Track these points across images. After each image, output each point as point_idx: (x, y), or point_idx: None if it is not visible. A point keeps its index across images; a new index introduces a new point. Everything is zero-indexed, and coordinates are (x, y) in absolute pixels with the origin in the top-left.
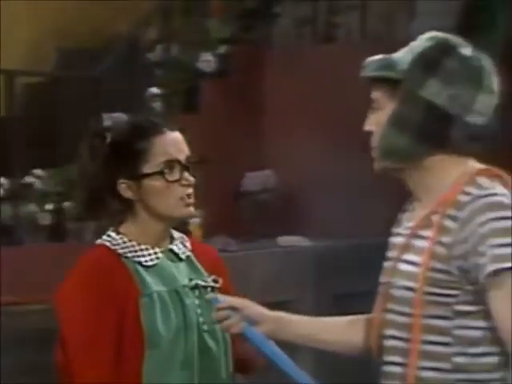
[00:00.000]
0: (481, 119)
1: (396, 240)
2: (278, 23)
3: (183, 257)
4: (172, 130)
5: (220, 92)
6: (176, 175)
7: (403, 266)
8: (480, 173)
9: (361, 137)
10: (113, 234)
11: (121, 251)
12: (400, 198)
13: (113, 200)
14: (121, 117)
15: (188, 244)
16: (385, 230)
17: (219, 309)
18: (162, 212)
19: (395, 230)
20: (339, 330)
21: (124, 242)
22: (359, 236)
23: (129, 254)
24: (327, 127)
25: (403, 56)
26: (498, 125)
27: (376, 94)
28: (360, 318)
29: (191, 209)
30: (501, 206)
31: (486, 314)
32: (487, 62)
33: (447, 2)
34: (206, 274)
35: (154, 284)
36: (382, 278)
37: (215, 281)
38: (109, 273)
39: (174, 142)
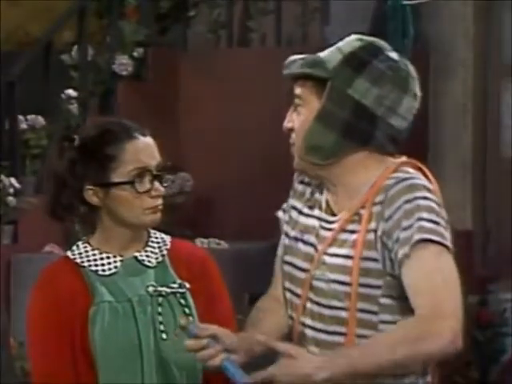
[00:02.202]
0: (403, 122)
1: (311, 223)
2: (193, 26)
3: (150, 264)
4: (144, 135)
5: (136, 94)
6: (146, 185)
7: (330, 260)
8: (403, 164)
9: (275, 139)
10: (79, 243)
11: (79, 261)
12: None
13: (79, 205)
14: (37, 119)
15: (165, 248)
16: None
17: (197, 337)
18: (127, 220)
19: (300, 205)
20: (278, 318)
21: (86, 252)
22: (275, 238)
23: (86, 264)
24: (242, 130)
25: (331, 55)
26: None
27: (300, 91)
28: (276, 299)
29: (157, 217)
30: (425, 187)
31: (404, 310)
32: (412, 68)
33: (360, 9)
34: (177, 279)
35: (108, 294)
36: (297, 262)
37: (181, 286)
38: (61, 284)
39: (145, 149)
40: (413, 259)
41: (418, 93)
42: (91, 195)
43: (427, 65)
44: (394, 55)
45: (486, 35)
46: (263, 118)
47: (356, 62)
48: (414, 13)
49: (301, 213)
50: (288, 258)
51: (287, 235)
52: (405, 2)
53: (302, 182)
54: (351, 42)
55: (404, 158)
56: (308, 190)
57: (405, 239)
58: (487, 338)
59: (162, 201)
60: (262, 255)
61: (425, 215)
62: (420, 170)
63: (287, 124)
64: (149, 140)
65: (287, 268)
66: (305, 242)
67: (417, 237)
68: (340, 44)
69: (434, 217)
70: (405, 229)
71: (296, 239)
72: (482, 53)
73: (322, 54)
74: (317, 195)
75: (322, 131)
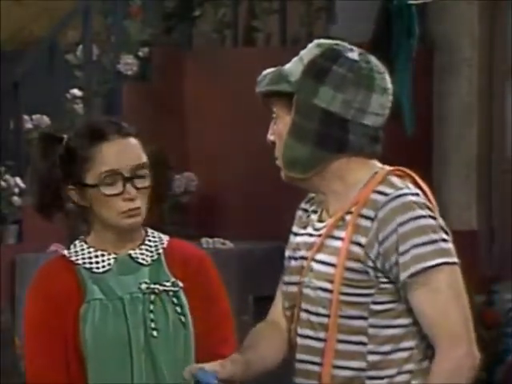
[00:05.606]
0: (377, 119)
1: (302, 239)
2: (198, 26)
3: (145, 262)
4: (124, 136)
5: (141, 94)
6: (118, 188)
7: (317, 266)
8: (391, 173)
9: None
10: (76, 242)
11: (73, 259)
12: None
13: (68, 203)
14: (42, 119)
15: (162, 247)
16: None
17: None
18: (107, 221)
19: (297, 229)
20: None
21: (82, 250)
22: (280, 239)
23: (80, 261)
24: (248, 130)
25: (294, 67)
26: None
27: (274, 107)
28: (274, 324)
29: (136, 219)
30: (418, 204)
31: (399, 313)
32: (377, 63)
33: (365, 9)
34: (170, 277)
35: (99, 292)
36: (291, 278)
37: (174, 284)
38: (55, 282)
39: (119, 151)
40: (416, 289)
41: (388, 86)
42: (74, 194)
43: (432, 64)
44: (354, 55)
45: (491, 35)
46: (268, 117)
47: (316, 70)
48: (419, 12)
49: (296, 234)
50: (284, 278)
51: (285, 257)
52: (410, 2)
53: (302, 209)
54: (311, 49)
55: (389, 166)
56: (305, 215)
57: (404, 266)
58: (492, 338)
59: (140, 203)
60: (267, 255)
61: (418, 240)
62: (409, 176)
63: (270, 137)
64: (127, 142)
65: (284, 288)
66: (296, 258)
67: (414, 269)
68: (302, 52)
69: (431, 236)
70: (402, 253)
71: (289, 258)
72: (487, 52)
73: (286, 66)
74: (311, 217)
75: (296, 146)
